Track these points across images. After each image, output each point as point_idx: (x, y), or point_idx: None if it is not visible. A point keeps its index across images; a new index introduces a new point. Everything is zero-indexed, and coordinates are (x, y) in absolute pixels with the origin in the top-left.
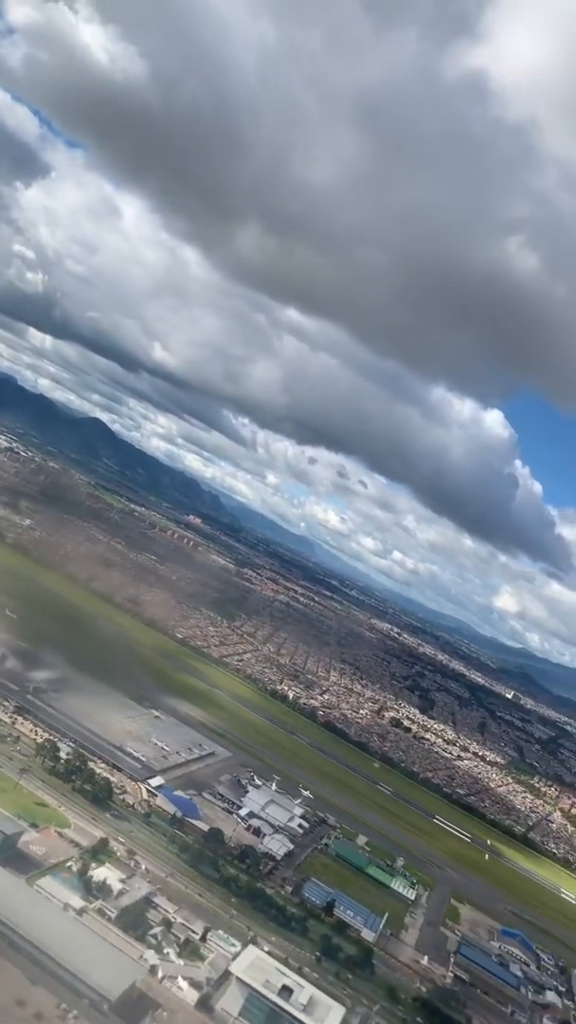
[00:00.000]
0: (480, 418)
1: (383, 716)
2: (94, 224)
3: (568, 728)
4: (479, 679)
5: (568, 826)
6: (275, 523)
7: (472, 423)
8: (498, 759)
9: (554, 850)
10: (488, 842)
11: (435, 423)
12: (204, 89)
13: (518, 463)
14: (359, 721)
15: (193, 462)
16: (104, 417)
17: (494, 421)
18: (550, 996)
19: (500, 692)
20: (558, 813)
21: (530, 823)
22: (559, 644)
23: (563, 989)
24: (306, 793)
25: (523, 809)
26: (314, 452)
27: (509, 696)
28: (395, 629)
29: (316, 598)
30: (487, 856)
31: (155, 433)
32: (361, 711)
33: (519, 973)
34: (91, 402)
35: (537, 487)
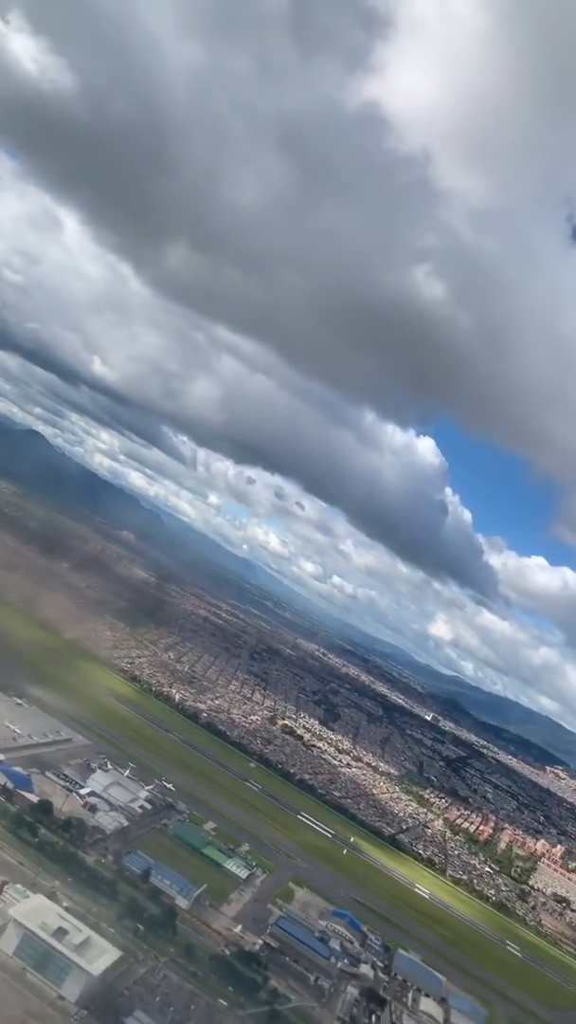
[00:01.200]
0: (412, 445)
1: (275, 723)
2: (34, 234)
3: (484, 751)
4: (399, 700)
5: (447, 832)
6: (218, 544)
7: (405, 450)
8: (392, 771)
9: (421, 851)
10: (352, 840)
11: (369, 448)
12: (134, 106)
13: (448, 491)
14: (246, 725)
15: (137, 479)
16: (46, 431)
17: (426, 448)
18: (363, 968)
19: (418, 713)
20: (440, 822)
21: (404, 827)
22: (492, 673)
23: (381, 965)
24: (162, 782)
25: (401, 814)
26: (252, 472)
27: (428, 718)
28: (321, 649)
29: (241, 615)
30: (345, 851)
31: (98, 449)
32: (252, 717)
33: (337, 947)
34: (34, 415)
35: (467, 515)
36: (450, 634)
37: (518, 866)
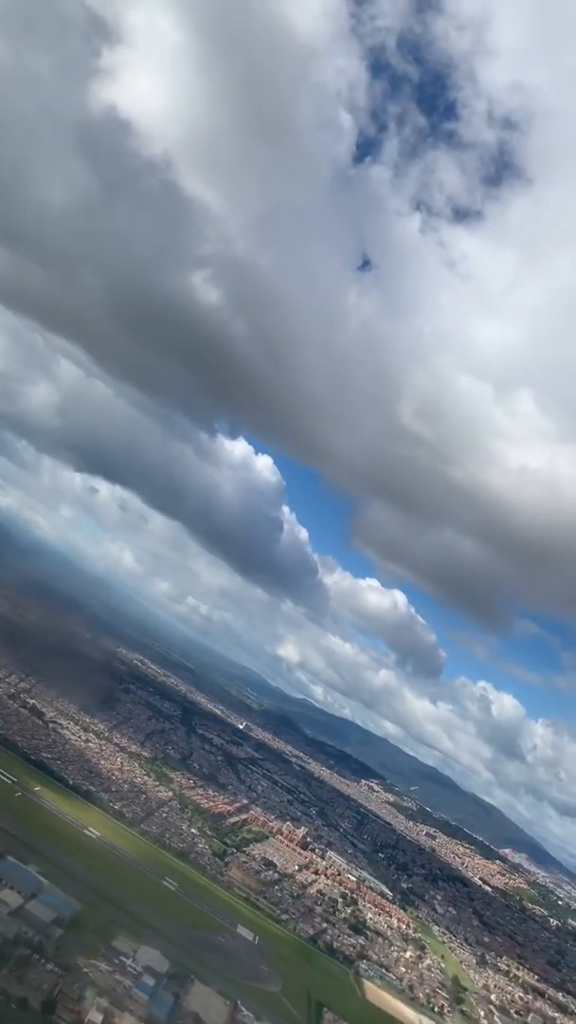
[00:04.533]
0: (250, 461)
1: (17, 699)
2: None
3: (290, 759)
4: (214, 709)
5: (170, 801)
6: (72, 560)
7: (243, 465)
8: (145, 753)
9: (113, 804)
10: (36, 789)
11: (207, 462)
12: None
13: (286, 509)
14: None
15: None
16: None
17: (264, 465)
18: None
19: (231, 722)
20: (170, 794)
21: (114, 789)
22: (340, 697)
23: None
24: None
25: (119, 780)
26: (94, 482)
27: (240, 726)
28: (144, 660)
29: (57, 619)
30: (18, 794)
31: None
32: None
33: None
34: None
35: (303, 533)
36: (298, 656)
37: (242, 837)
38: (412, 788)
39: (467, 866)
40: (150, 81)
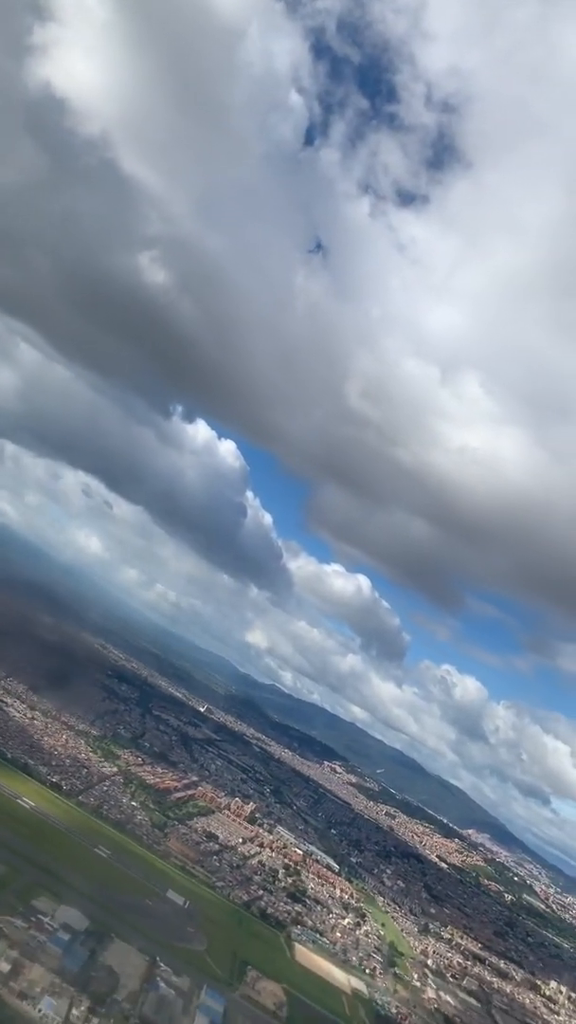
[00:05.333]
0: (213, 445)
1: None
2: None
3: (250, 741)
4: (175, 692)
5: (113, 776)
6: (40, 548)
7: (205, 450)
8: (94, 731)
9: (51, 777)
10: None
11: (169, 446)
12: None
13: (250, 494)
14: None
15: None
16: None
17: (227, 450)
18: None
19: (192, 705)
20: (115, 769)
21: (55, 764)
22: (309, 683)
23: None
24: None
25: (61, 755)
26: (56, 467)
27: (201, 709)
28: (106, 645)
29: (16, 604)
30: None
31: None
32: None
33: None
34: None
35: (267, 518)
36: (266, 642)
37: (186, 811)
38: (378, 771)
39: (424, 844)
40: (84, 59)
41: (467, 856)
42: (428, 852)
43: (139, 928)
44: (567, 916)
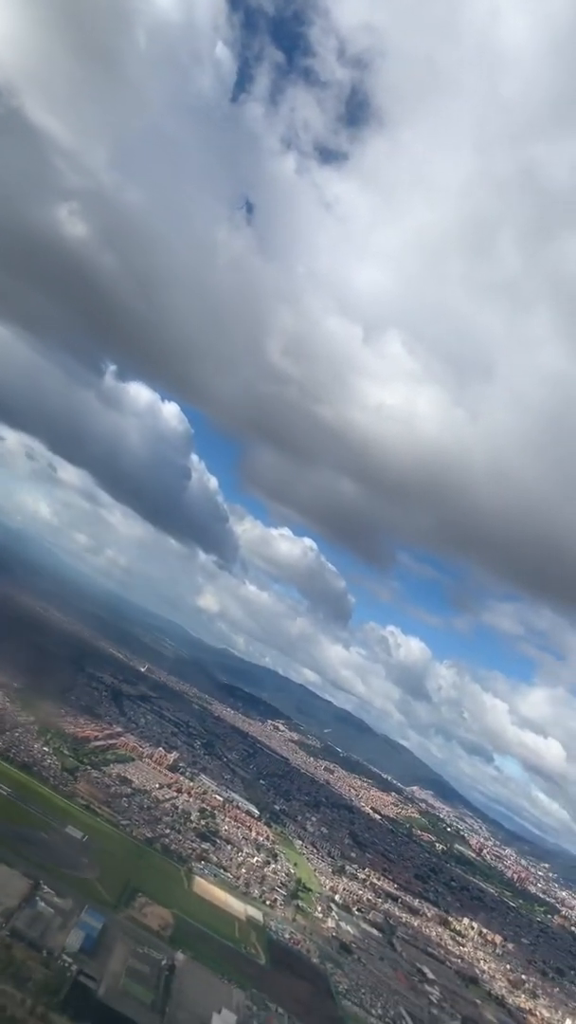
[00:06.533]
0: (156, 408)
1: None
2: None
3: (193, 700)
4: (116, 653)
5: (18, 719)
6: None
7: (148, 412)
8: (14, 684)
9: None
10: None
11: (111, 408)
12: None
13: (195, 457)
14: None
15: None
16: None
17: (170, 413)
18: None
19: (132, 665)
20: (33, 719)
21: None
22: (261, 647)
23: None
24: None
25: None
26: None
27: (142, 669)
28: (48, 608)
29: None
30: None
31: None
32: None
33: None
34: None
35: (213, 481)
36: (217, 606)
37: (103, 758)
38: (326, 730)
39: (361, 797)
40: None
41: (402, 808)
42: (363, 804)
43: (28, 856)
44: (499, 866)
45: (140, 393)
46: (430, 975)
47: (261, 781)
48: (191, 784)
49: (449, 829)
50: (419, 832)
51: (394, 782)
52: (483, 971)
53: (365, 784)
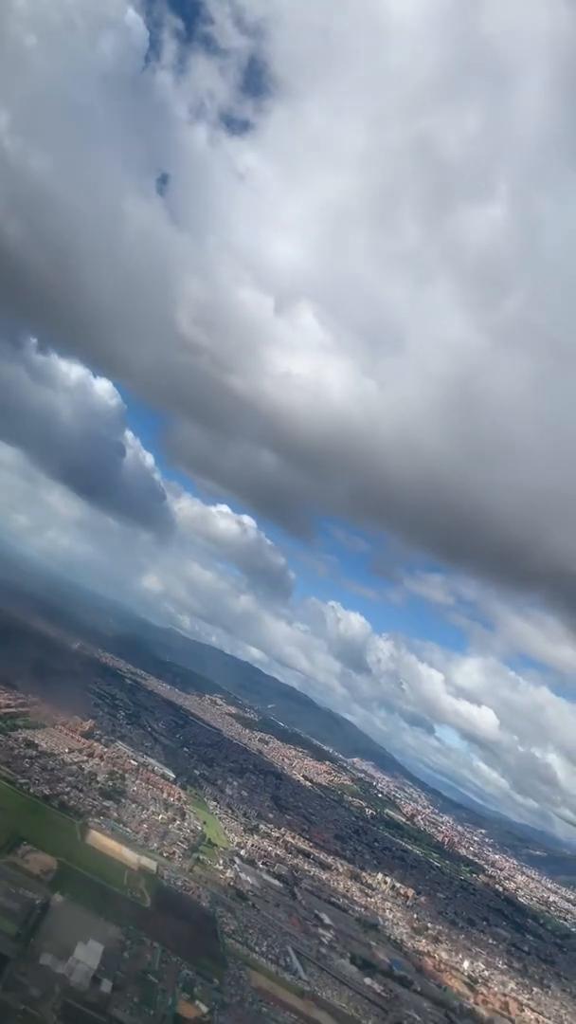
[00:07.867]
0: (87, 384)
1: None
2: None
3: (124, 675)
4: (45, 630)
5: None
6: None
7: (79, 388)
8: None
9: None
10: None
11: (42, 383)
12: None
13: (129, 433)
14: None
15: None
16: None
17: (103, 389)
18: None
19: (64, 642)
20: None
21: None
22: (208, 627)
23: None
24: None
25: None
26: None
27: (74, 646)
28: None
29: None
30: None
31: None
32: None
33: None
34: None
35: (149, 458)
36: (160, 586)
37: (10, 724)
38: (269, 705)
39: (293, 766)
40: None
41: (336, 777)
42: (294, 772)
43: None
44: (431, 831)
45: (71, 369)
46: (327, 920)
47: (185, 749)
48: (105, 750)
49: (382, 796)
50: (350, 799)
51: (334, 753)
52: (387, 919)
53: (300, 754)
